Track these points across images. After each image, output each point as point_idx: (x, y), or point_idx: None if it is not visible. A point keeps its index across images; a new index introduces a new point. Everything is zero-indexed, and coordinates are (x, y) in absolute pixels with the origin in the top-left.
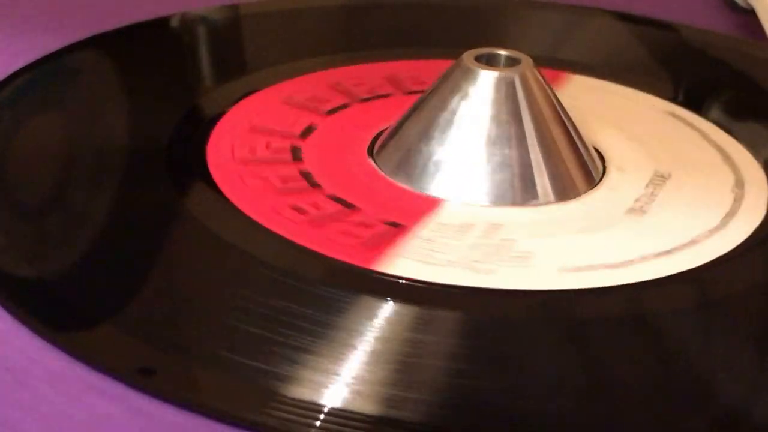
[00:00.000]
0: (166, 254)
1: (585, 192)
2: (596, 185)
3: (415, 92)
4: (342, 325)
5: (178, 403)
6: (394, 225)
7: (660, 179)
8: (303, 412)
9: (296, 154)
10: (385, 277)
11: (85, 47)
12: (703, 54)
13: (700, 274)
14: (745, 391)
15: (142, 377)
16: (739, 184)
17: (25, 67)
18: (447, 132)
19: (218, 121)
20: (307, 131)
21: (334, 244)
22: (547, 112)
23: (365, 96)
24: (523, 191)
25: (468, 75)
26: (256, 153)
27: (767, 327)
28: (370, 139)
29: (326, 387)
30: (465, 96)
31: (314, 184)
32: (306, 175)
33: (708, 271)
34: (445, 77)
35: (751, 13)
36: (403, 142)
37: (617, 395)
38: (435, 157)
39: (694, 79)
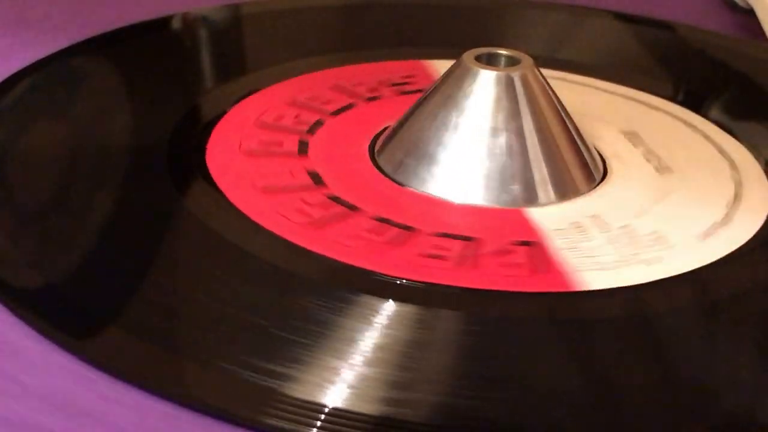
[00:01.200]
0: (167, 254)
1: (585, 192)
2: (597, 185)
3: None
4: (342, 324)
5: (178, 403)
6: (526, 243)
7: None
8: (303, 412)
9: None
10: (385, 277)
11: (86, 48)
12: (703, 54)
13: (702, 275)
14: (748, 392)
15: (142, 376)
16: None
17: (26, 68)
18: (448, 131)
19: (219, 121)
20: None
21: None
22: (547, 112)
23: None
24: (523, 191)
25: (468, 75)
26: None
27: None
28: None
29: (326, 387)
30: (465, 96)
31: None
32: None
33: (709, 272)
34: (446, 77)
35: (750, 13)
36: (404, 141)
37: (618, 396)
38: (435, 157)
39: (694, 79)
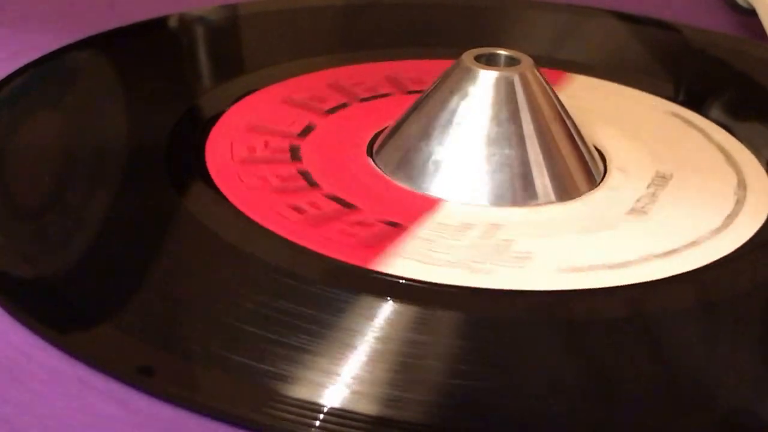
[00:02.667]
0: (165, 254)
1: (586, 192)
2: (597, 185)
3: (415, 92)
4: (342, 324)
5: (177, 403)
6: (393, 224)
7: (661, 179)
8: (303, 412)
9: (295, 154)
10: (385, 277)
11: (84, 47)
12: (704, 54)
13: (702, 276)
14: (747, 392)
15: (142, 377)
16: (741, 184)
17: (24, 67)
18: (446, 132)
19: (217, 120)
20: (306, 130)
21: (332, 243)
22: (547, 112)
23: (365, 96)
24: (523, 191)
25: (468, 75)
26: (255, 152)
27: None
28: (369, 138)
29: (326, 387)
30: (465, 96)
31: (313, 184)
32: (305, 175)
33: (710, 272)
34: (445, 77)
35: (752, 14)
36: (402, 141)
37: (617, 397)
38: (434, 157)
39: (696, 79)
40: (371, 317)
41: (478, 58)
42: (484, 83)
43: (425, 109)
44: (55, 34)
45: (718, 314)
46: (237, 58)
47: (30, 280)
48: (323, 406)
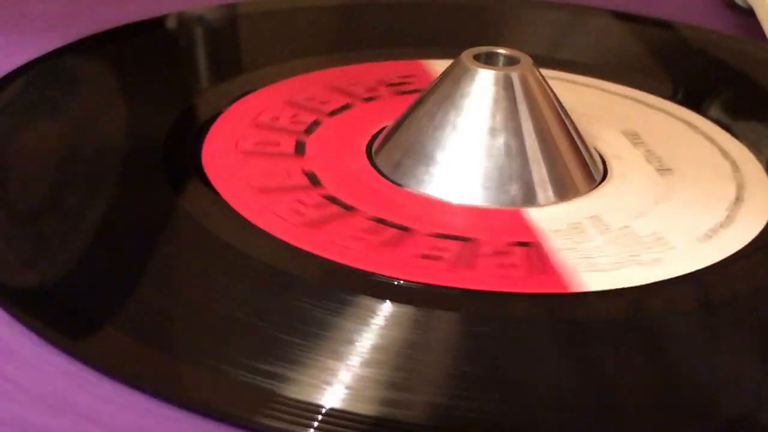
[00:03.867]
0: (163, 254)
1: (585, 192)
2: (597, 185)
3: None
4: (341, 325)
5: (174, 404)
6: (523, 244)
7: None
8: (302, 412)
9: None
10: (382, 278)
11: (82, 47)
12: (703, 53)
13: (702, 277)
14: (749, 394)
15: (138, 377)
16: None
17: (21, 67)
18: (446, 131)
19: (215, 120)
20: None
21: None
22: (546, 112)
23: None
24: (522, 191)
25: (467, 74)
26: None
27: None
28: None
29: (326, 387)
30: (464, 95)
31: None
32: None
33: (710, 273)
34: (444, 76)
35: (750, 13)
36: (401, 141)
37: (618, 398)
38: (433, 157)
39: (694, 79)
40: (371, 318)
41: (476, 58)
42: (483, 83)
43: (424, 109)
44: (52, 33)
45: (720, 315)
46: (236, 57)
47: (27, 281)
48: (323, 406)
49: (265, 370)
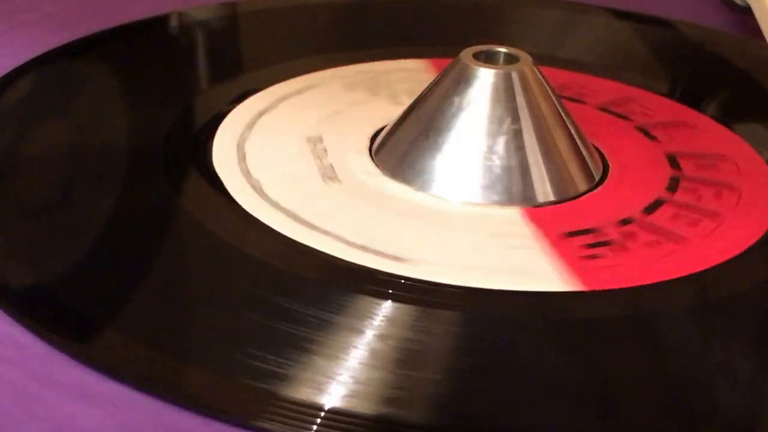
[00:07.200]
0: (165, 254)
1: (585, 190)
2: (597, 184)
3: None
4: (342, 324)
5: (177, 404)
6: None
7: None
8: (303, 412)
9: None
10: (386, 277)
11: (83, 46)
12: (703, 52)
13: (703, 276)
14: (747, 393)
15: (139, 377)
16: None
17: (21, 66)
18: (445, 130)
19: (217, 120)
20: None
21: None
22: (546, 110)
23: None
24: (521, 190)
25: (467, 72)
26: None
27: None
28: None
29: (326, 387)
30: (464, 94)
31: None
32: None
33: (711, 273)
34: (444, 75)
35: (748, 12)
36: (401, 140)
37: (617, 397)
38: (433, 156)
39: (694, 77)
40: (371, 317)
41: (476, 56)
42: (483, 81)
43: (424, 108)
44: (52, 33)
45: (719, 314)
46: (237, 56)
47: (29, 282)
48: (323, 406)
49: (266, 370)
